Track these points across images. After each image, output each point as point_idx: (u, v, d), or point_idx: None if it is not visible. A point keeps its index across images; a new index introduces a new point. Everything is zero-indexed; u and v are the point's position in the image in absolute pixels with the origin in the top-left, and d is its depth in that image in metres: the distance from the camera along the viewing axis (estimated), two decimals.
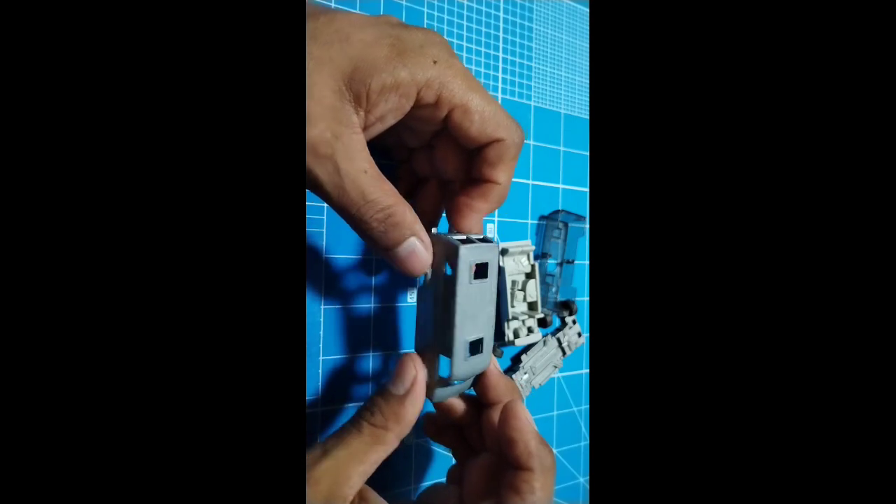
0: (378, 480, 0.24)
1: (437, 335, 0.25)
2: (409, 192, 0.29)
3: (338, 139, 0.20)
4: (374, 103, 0.21)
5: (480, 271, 0.24)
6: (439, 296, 0.25)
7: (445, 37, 0.35)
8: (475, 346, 0.25)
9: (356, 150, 0.21)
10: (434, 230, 0.25)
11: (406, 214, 0.22)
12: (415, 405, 0.24)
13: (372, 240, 0.22)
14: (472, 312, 0.25)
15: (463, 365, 0.25)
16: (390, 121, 0.22)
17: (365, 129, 0.22)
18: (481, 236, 0.26)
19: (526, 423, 0.24)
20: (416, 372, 0.24)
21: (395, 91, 0.21)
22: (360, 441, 0.23)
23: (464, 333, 0.24)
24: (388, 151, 0.30)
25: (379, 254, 0.25)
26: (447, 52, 0.23)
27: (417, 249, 0.23)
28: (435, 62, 0.22)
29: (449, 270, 0.24)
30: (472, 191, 0.25)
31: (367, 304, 0.32)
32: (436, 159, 0.27)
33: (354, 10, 0.31)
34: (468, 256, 0.23)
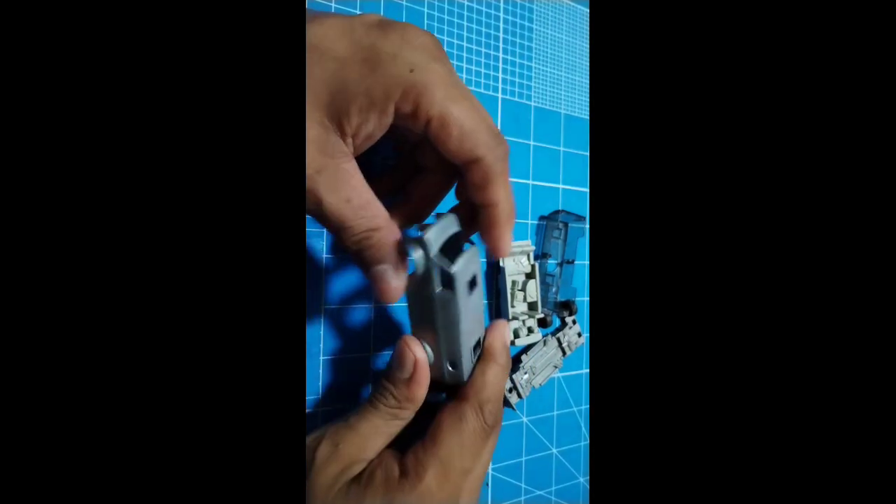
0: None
1: (439, 344, 0.26)
2: (405, 183, 0.29)
3: (320, 173, 0.21)
4: (357, 128, 0.21)
5: (472, 283, 0.25)
6: (432, 306, 0.25)
7: (445, 36, 0.35)
8: (476, 347, 0.27)
9: (341, 181, 0.22)
10: (427, 235, 0.24)
11: (381, 240, 0.23)
12: (421, 385, 0.26)
13: (352, 258, 0.24)
14: (471, 324, 0.26)
15: (470, 367, 0.27)
16: (378, 135, 0.23)
17: (355, 150, 0.22)
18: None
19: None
20: (414, 357, 0.25)
21: (373, 110, 0.21)
22: (379, 417, 0.25)
23: (468, 344, 0.26)
24: (395, 143, 0.30)
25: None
26: (427, 54, 0.22)
27: (385, 276, 0.23)
28: (412, 70, 0.21)
29: (437, 285, 0.24)
30: (482, 220, 0.25)
31: (367, 304, 0.32)
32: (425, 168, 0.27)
33: (343, 12, 0.31)
34: (463, 275, 0.24)
